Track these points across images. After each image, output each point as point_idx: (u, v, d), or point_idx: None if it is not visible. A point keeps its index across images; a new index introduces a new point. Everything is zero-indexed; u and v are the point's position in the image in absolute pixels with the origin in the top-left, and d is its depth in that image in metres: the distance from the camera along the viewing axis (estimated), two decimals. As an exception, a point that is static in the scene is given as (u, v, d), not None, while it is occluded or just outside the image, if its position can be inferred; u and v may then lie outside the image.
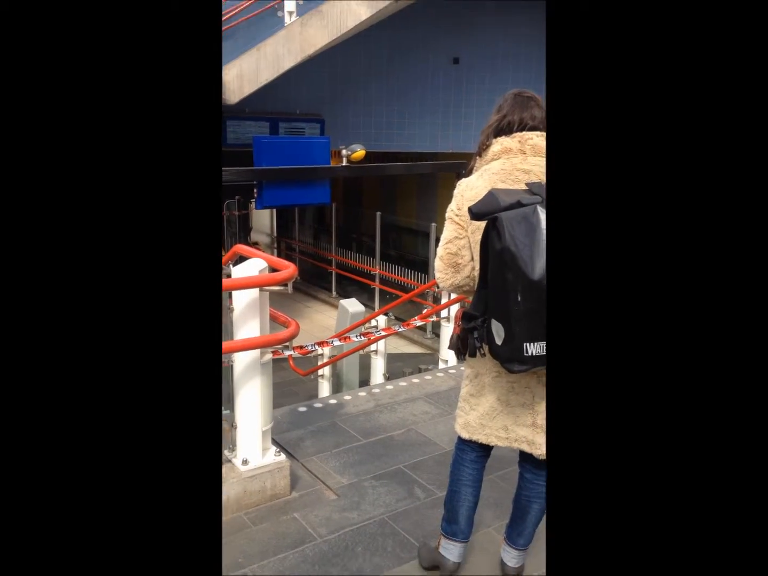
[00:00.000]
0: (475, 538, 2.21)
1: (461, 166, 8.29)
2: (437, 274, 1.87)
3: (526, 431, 1.82)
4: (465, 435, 1.92)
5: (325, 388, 5.56)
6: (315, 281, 11.56)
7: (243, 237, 10.82)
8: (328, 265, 11.14)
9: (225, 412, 2.54)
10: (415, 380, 3.99)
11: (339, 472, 2.80)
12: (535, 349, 1.55)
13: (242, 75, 6.66)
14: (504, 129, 1.81)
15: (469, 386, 1.93)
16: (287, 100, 8.12)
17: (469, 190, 1.79)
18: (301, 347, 4.56)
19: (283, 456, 2.61)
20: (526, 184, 1.69)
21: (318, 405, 3.58)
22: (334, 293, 10.82)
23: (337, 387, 5.79)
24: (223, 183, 6.66)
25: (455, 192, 1.84)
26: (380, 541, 2.31)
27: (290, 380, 6.54)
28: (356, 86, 8.54)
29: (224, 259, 2.97)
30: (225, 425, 2.50)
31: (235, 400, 2.50)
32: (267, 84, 6.88)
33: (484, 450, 1.97)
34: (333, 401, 3.64)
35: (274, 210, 12.45)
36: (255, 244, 10.77)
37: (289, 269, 2.42)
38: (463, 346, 1.82)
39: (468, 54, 9.03)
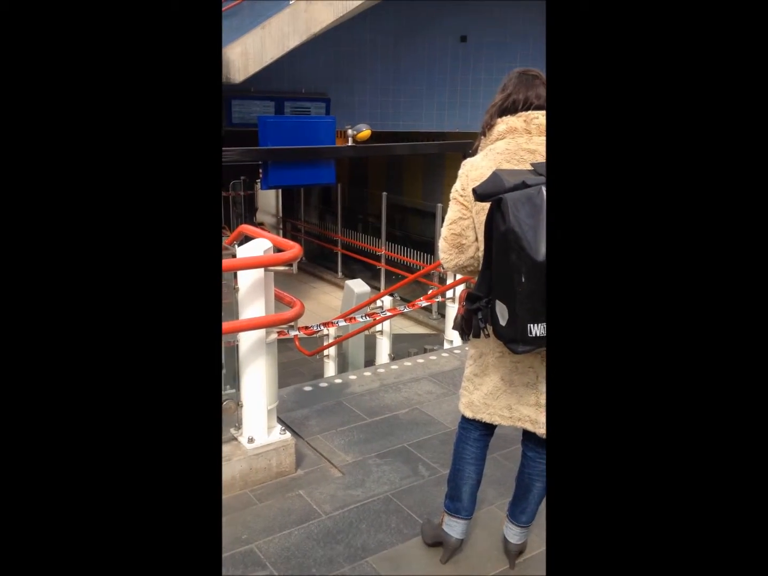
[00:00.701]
0: (477, 515, 2.23)
1: (468, 146, 8.21)
2: (441, 255, 1.87)
3: (530, 410, 1.84)
4: (469, 414, 1.94)
5: (330, 368, 5.59)
6: (321, 262, 11.57)
7: (248, 217, 10.84)
8: (334, 246, 11.14)
9: (231, 391, 2.57)
10: (420, 360, 4.01)
11: (344, 451, 2.83)
12: (538, 330, 1.55)
13: (247, 53, 6.61)
14: (509, 108, 1.79)
15: (473, 366, 1.94)
16: (293, 80, 8.06)
17: (474, 170, 1.78)
18: (307, 327, 4.59)
19: (288, 434, 2.64)
20: (531, 165, 1.67)
21: (323, 384, 3.60)
22: (339, 274, 10.83)
23: (342, 367, 5.82)
24: (228, 163, 6.65)
25: (460, 172, 1.83)
26: (384, 518, 2.35)
27: (296, 360, 6.59)
28: (362, 65, 8.46)
29: (229, 239, 2.98)
30: (231, 404, 2.53)
31: (241, 379, 2.53)
32: (272, 63, 6.83)
33: (488, 429, 1.98)
34: (338, 381, 3.67)
35: (280, 190, 12.43)
36: (260, 225, 10.78)
37: (293, 249, 2.42)
38: (467, 327, 1.81)
39: (476, 32, 8.92)
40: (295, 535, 2.24)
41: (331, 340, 5.55)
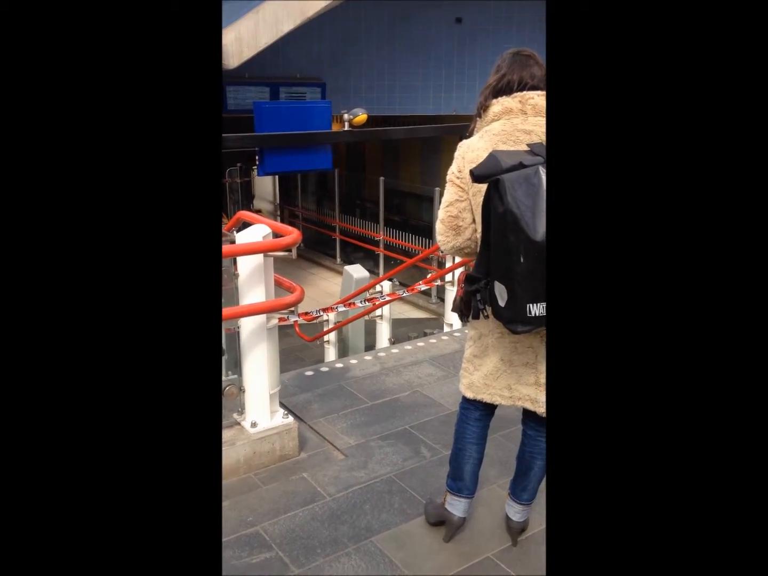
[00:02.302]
0: (480, 494, 2.26)
1: (465, 128, 8.16)
2: (439, 237, 1.87)
3: (529, 390, 1.87)
4: (470, 395, 1.96)
5: (331, 354, 5.61)
6: (319, 248, 11.56)
7: (246, 204, 10.80)
8: (332, 232, 11.12)
9: (233, 376, 2.59)
10: (420, 344, 4.03)
11: (346, 434, 2.86)
12: (537, 309, 1.57)
13: (241, 38, 6.56)
14: (503, 89, 1.79)
15: (473, 347, 1.95)
16: (287, 65, 8.00)
17: (470, 152, 1.78)
18: (307, 313, 4.60)
19: (291, 418, 2.66)
20: (528, 145, 1.68)
21: (324, 369, 3.62)
22: (338, 260, 10.83)
23: (342, 352, 5.84)
24: (224, 150, 6.61)
25: (456, 154, 1.83)
26: (387, 499, 2.37)
27: (296, 346, 6.61)
28: (357, 49, 8.40)
29: (228, 225, 2.99)
30: (233, 389, 2.55)
31: (243, 365, 2.54)
32: (267, 48, 6.79)
33: (488, 409, 2.00)
34: (339, 365, 3.69)
35: (277, 177, 12.39)
36: (258, 212, 10.75)
37: (293, 234, 2.43)
38: (466, 309, 1.82)
39: (471, 13, 8.85)
40: (300, 517, 2.27)
41: (330, 326, 5.57)
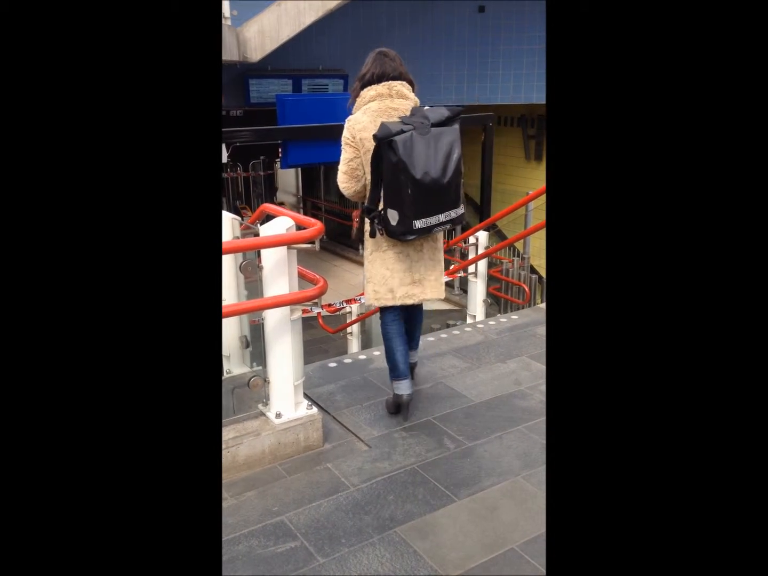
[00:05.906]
0: (504, 486, 2.27)
1: (488, 118, 8.11)
2: (342, 185, 2.65)
3: (406, 288, 2.68)
4: (377, 303, 2.73)
5: (354, 346, 5.63)
6: (342, 240, 11.58)
7: (269, 197, 10.86)
8: (354, 224, 11.11)
9: (258, 368, 2.61)
10: (444, 335, 4.02)
11: (370, 425, 2.87)
12: (420, 223, 2.44)
13: (263, 31, 6.58)
14: (371, 79, 2.60)
15: (367, 264, 2.72)
16: (310, 57, 8.01)
17: (357, 124, 2.58)
18: (330, 305, 4.62)
19: (315, 409, 2.68)
20: (399, 118, 2.48)
21: (348, 360, 3.64)
22: (360, 251, 10.83)
23: (365, 344, 5.86)
24: (247, 143, 6.65)
25: (347, 125, 2.60)
26: (411, 490, 2.38)
27: (320, 338, 6.65)
28: (379, 39, 8.36)
29: (252, 218, 3.01)
30: (258, 380, 2.57)
31: (267, 356, 2.57)
32: (289, 40, 6.80)
33: (396, 309, 2.78)
34: (362, 357, 3.70)
35: (299, 169, 12.42)
36: (281, 205, 10.80)
37: (315, 226, 2.44)
38: (360, 234, 2.70)
39: (494, 2, 8.75)
40: (325, 507, 2.29)
41: (354, 318, 5.58)
